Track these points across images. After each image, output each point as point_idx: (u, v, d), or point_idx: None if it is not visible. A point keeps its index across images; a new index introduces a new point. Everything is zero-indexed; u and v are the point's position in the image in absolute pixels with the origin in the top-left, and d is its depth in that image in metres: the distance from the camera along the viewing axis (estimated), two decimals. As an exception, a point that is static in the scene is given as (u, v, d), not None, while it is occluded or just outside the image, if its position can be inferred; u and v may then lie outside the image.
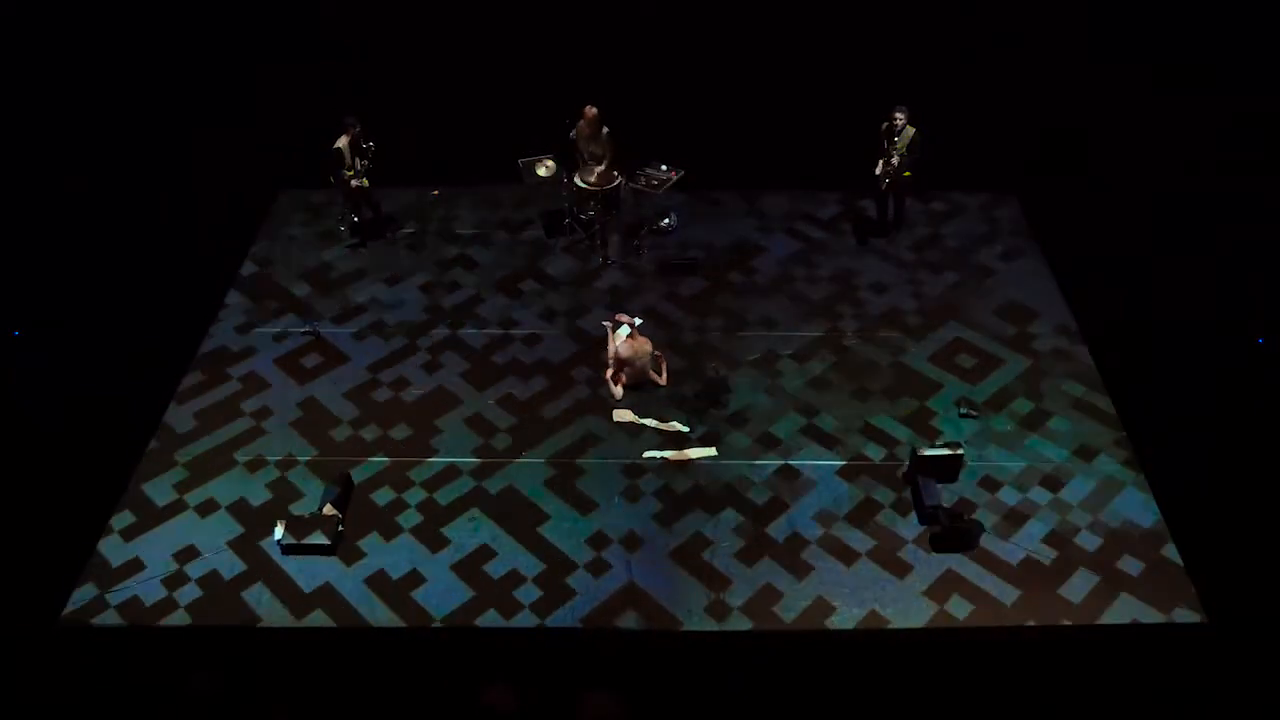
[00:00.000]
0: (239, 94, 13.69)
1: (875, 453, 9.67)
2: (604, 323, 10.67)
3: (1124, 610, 8.36)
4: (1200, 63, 13.32)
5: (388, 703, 7.81)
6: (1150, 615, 8.34)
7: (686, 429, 9.90)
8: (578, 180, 11.82)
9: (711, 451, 9.69)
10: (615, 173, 11.84)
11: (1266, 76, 12.80)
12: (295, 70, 13.91)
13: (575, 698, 7.63)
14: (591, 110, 11.77)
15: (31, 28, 13.77)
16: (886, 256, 12.03)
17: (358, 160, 11.49)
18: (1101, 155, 12.80)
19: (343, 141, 11.36)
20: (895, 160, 11.35)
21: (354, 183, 11.55)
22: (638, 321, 10.44)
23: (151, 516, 9.12)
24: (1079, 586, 8.53)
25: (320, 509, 8.97)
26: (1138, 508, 9.15)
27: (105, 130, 13.12)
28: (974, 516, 8.97)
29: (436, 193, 12.98)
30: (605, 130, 11.88)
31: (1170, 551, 8.79)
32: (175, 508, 9.18)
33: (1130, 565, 8.68)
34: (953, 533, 8.75)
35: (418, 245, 12.27)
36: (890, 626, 8.30)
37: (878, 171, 11.50)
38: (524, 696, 7.61)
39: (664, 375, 10.40)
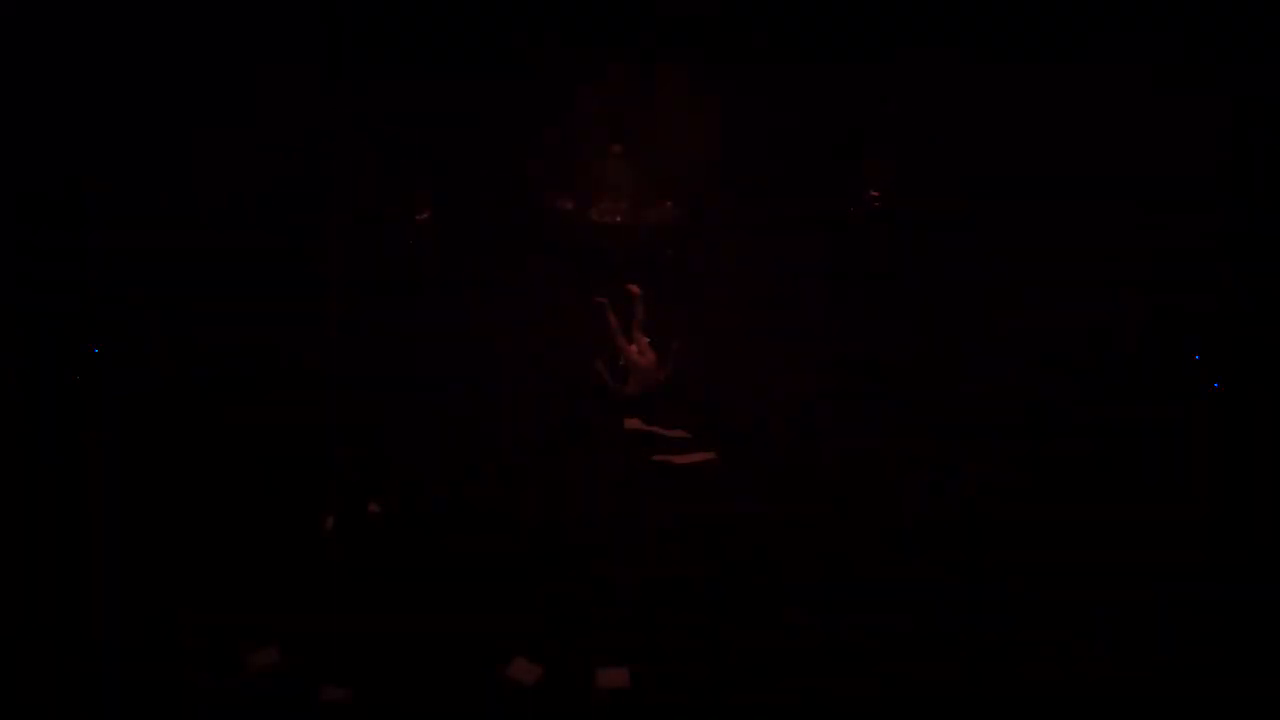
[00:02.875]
0: (239, 94, 13.68)
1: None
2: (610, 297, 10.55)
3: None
4: (1200, 62, 13.34)
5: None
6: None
7: (687, 433, 9.94)
8: None
9: (710, 455, 9.74)
10: None
11: (1266, 76, 12.82)
12: (295, 70, 13.90)
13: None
14: None
15: (31, 27, 13.74)
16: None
17: None
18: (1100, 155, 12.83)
19: None
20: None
21: None
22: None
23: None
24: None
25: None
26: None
27: (105, 129, 13.10)
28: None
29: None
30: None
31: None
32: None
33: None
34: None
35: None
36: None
37: None
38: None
39: (667, 377, 10.43)
